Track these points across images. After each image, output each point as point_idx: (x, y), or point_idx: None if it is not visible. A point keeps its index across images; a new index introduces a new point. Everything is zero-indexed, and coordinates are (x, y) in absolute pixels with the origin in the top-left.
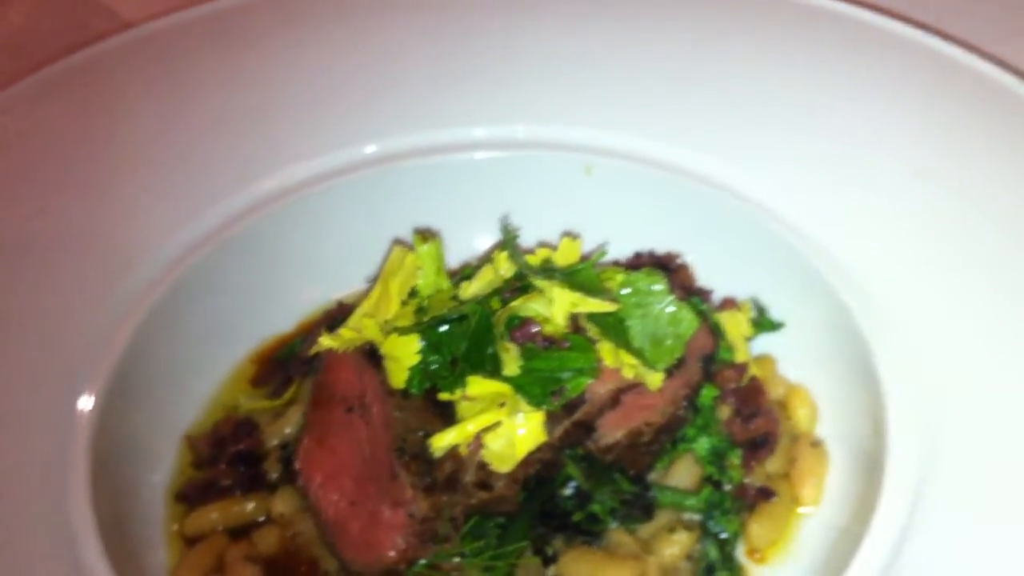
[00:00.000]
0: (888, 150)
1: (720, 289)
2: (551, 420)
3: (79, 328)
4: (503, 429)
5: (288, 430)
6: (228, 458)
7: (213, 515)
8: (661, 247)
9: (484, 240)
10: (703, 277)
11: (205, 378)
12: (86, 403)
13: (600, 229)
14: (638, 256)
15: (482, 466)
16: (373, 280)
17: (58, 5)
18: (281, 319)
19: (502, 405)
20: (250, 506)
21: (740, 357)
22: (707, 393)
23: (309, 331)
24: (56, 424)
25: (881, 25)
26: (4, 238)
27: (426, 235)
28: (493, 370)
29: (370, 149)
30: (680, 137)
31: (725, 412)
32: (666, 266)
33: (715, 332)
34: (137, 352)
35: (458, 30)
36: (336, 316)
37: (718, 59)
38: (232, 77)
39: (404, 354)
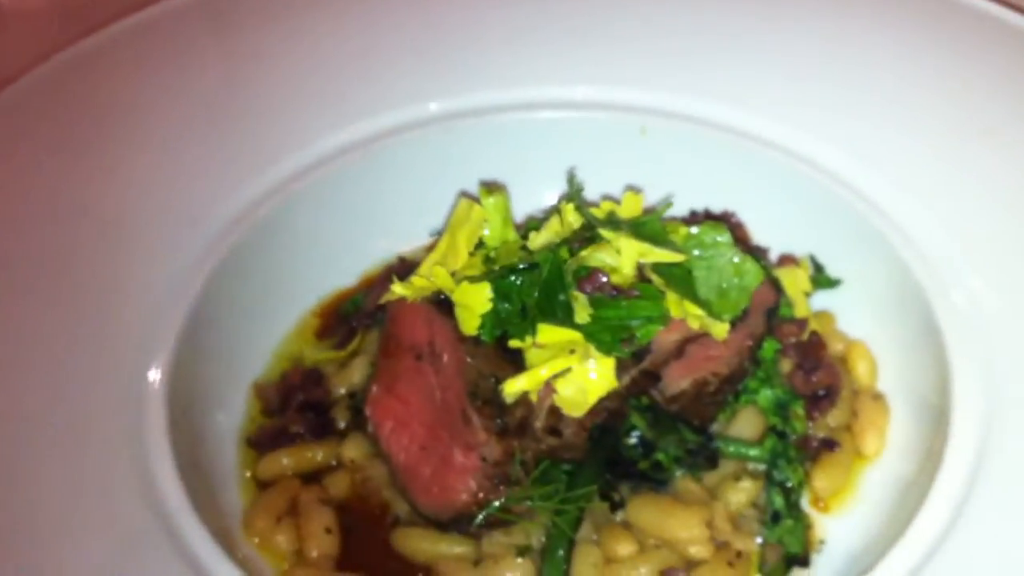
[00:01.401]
0: (948, 107)
1: (775, 248)
2: (619, 368)
3: (151, 283)
4: (574, 375)
5: (355, 380)
6: (297, 406)
7: (284, 459)
8: (715, 206)
9: (544, 197)
10: (758, 236)
11: (271, 331)
12: (161, 353)
13: (655, 188)
14: (693, 215)
15: (553, 412)
16: (436, 234)
17: None
18: (343, 274)
19: (572, 352)
20: (320, 451)
21: (800, 312)
22: (768, 347)
23: (372, 285)
24: (133, 374)
25: None
26: (76, 201)
27: (492, 188)
28: (564, 318)
29: (433, 107)
30: (733, 97)
31: (786, 366)
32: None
33: (777, 286)
34: (206, 304)
35: None
36: (398, 271)
37: (770, 18)
38: (297, 34)
39: (476, 302)
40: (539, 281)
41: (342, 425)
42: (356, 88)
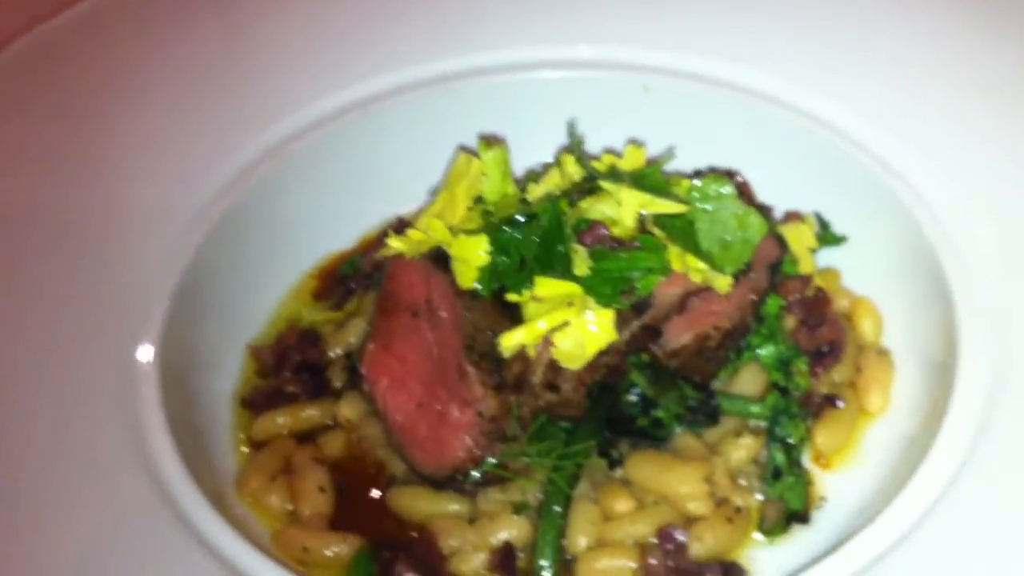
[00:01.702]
0: (951, 64)
1: (781, 206)
2: (620, 323)
3: (146, 245)
4: (573, 328)
5: (352, 340)
6: (292, 367)
7: (280, 419)
8: (721, 165)
9: (545, 155)
10: (763, 194)
11: (268, 293)
12: (155, 315)
13: (659, 147)
14: (698, 173)
15: (550, 367)
16: (435, 191)
17: None
18: (342, 236)
19: (571, 305)
20: (315, 411)
21: (805, 269)
22: (772, 303)
23: (370, 246)
24: (127, 337)
25: None
26: (70, 164)
27: (491, 141)
28: (563, 270)
29: (433, 68)
30: (739, 54)
31: (790, 322)
32: None
33: (781, 241)
34: (201, 267)
35: None
36: (396, 230)
37: None
38: None
39: (472, 255)
40: (538, 232)
41: (338, 385)
42: (354, 50)
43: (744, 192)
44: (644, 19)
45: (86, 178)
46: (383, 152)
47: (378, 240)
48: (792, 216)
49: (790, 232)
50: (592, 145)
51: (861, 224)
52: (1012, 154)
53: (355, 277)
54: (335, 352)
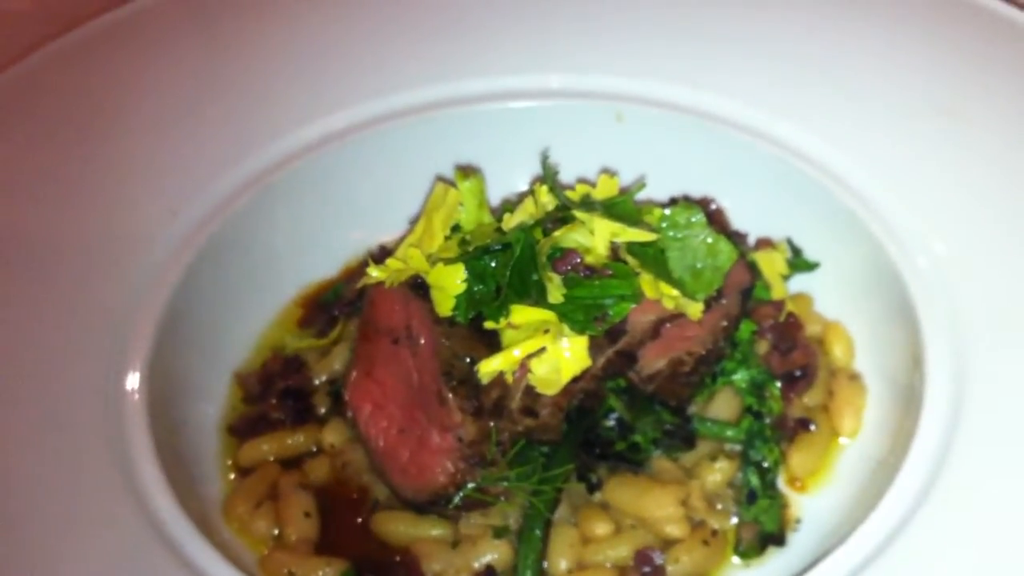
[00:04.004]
0: (914, 88)
1: (755, 232)
2: (595, 349)
3: (131, 274)
4: (548, 355)
5: (335, 366)
6: (277, 393)
7: (265, 446)
8: (695, 192)
9: (521, 184)
10: (737, 221)
11: (252, 320)
12: (141, 343)
13: (633, 175)
14: (672, 201)
15: (528, 392)
16: (415, 220)
17: None
18: (325, 264)
19: (546, 332)
20: (300, 437)
21: (777, 294)
22: (745, 328)
23: (353, 274)
24: (112, 365)
25: None
26: (55, 193)
27: (468, 171)
28: (537, 297)
29: (411, 97)
30: (710, 83)
31: (763, 347)
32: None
33: (752, 267)
34: (186, 296)
35: None
36: (377, 257)
37: (745, 4)
38: (277, 27)
39: (450, 283)
40: (512, 260)
41: (322, 411)
42: (333, 80)
43: (718, 219)
44: (617, 48)
45: (71, 205)
46: (364, 182)
47: (360, 268)
48: (764, 243)
49: (762, 258)
50: (567, 174)
51: (833, 250)
52: (979, 182)
53: (338, 304)
54: (319, 379)
